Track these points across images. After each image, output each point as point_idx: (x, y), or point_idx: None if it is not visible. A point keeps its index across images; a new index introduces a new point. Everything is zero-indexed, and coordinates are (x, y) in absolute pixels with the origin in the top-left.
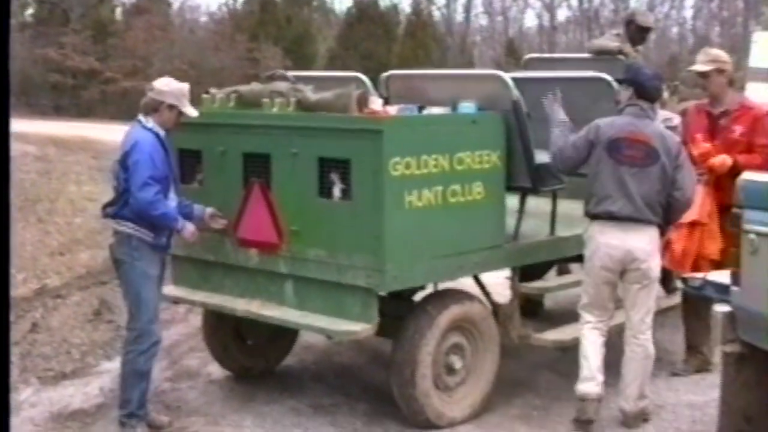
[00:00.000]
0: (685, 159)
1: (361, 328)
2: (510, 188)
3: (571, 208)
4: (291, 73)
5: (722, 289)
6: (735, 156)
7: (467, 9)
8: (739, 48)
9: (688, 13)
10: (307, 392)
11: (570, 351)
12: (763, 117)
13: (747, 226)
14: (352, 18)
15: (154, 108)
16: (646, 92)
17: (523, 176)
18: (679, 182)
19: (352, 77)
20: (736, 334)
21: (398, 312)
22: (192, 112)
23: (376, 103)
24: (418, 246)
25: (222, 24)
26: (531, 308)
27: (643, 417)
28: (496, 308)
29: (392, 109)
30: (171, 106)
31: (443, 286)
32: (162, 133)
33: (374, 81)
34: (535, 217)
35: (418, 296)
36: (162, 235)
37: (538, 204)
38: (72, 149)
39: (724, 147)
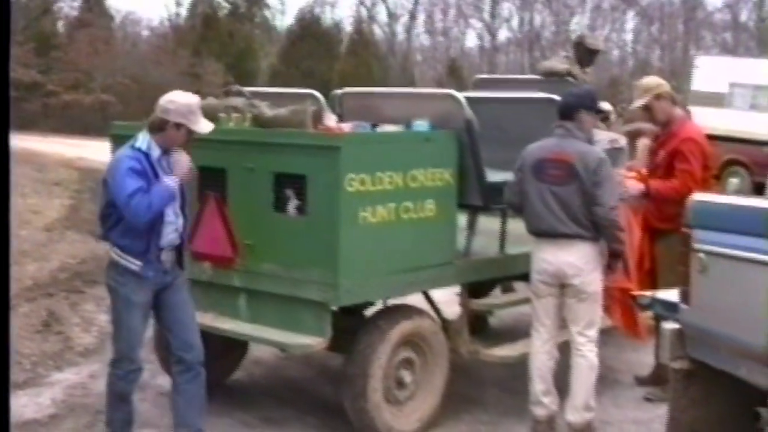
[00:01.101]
0: (606, 176)
1: (314, 341)
2: (461, 206)
3: (520, 226)
4: (246, 89)
5: (671, 307)
6: (648, 181)
7: (409, 28)
8: (680, 72)
9: (629, 36)
10: (257, 405)
11: (517, 367)
12: (683, 142)
13: (696, 246)
14: (294, 35)
15: (159, 127)
16: (561, 111)
17: (474, 194)
18: (599, 198)
19: (307, 94)
20: (685, 351)
21: (350, 327)
22: (203, 128)
23: (330, 120)
24: (372, 261)
25: (164, 38)
26: (477, 325)
27: (589, 431)
28: (445, 324)
29: (346, 127)
30: (178, 125)
31: (394, 301)
32: (156, 153)
33: (326, 98)
34: (485, 234)
35: (369, 311)
36: (151, 267)
37: (488, 222)
38: (15, 162)
39: (651, 170)
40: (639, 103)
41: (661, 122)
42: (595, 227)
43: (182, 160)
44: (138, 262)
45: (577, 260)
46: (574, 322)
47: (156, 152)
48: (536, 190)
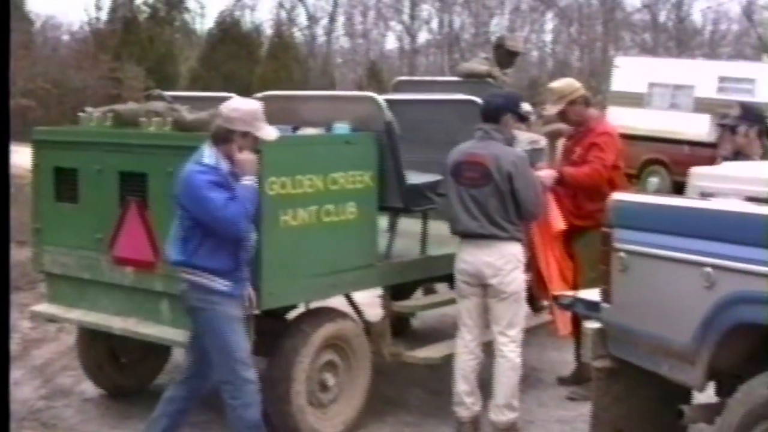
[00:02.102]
0: (523, 175)
1: None
2: (382, 208)
3: (441, 228)
4: (167, 93)
5: (592, 306)
6: (561, 168)
7: (329, 31)
8: (599, 72)
9: (548, 37)
10: None
11: (440, 369)
12: (598, 136)
13: (617, 245)
14: (214, 39)
15: (225, 138)
16: (483, 113)
17: (395, 196)
18: (519, 199)
19: (227, 98)
20: (607, 350)
21: (273, 330)
22: (269, 135)
23: None
24: (294, 265)
25: (85, 43)
26: (399, 327)
27: (513, 431)
28: (368, 326)
29: None
30: (244, 134)
31: (317, 304)
32: (224, 166)
33: None
34: (406, 236)
35: (292, 314)
36: (239, 285)
37: (409, 224)
38: None
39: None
40: (553, 110)
41: (575, 123)
42: (514, 227)
43: (250, 159)
44: (228, 283)
45: (495, 260)
46: (496, 321)
47: (224, 165)
48: (455, 192)
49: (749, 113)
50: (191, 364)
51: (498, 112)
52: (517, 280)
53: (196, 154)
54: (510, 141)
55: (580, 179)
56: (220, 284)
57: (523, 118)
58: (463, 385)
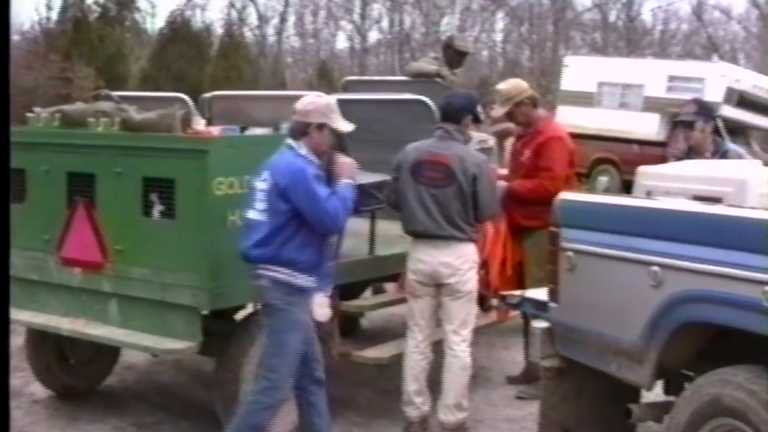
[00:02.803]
0: (484, 179)
1: (185, 346)
2: None
3: (389, 227)
4: (115, 93)
5: (540, 306)
6: (508, 185)
7: (279, 31)
8: (549, 72)
9: (499, 36)
10: (131, 411)
11: (388, 368)
12: (547, 141)
13: (564, 245)
14: (164, 38)
15: (302, 132)
16: (444, 113)
17: None
18: (479, 202)
19: (175, 98)
20: (555, 349)
21: (221, 330)
22: (345, 127)
23: (199, 124)
24: (241, 265)
25: (35, 43)
26: (348, 327)
27: (462, 430)
28: (316, 326)
29: (215, 130)
30: (320, 126)
31: None
32: (316, 162)
33: (195, 101)
34: (354, 236)
35: (240, 315)
36: (320, 281)
37: (358, 224)
38: None
39: (515, 170)
40: (500, 112)
41: (522, 124)
42: (472, 228)
43: (347, 163)
44: (311, 278)
45: (453, 260)
46: (449, 320)
47: (315, 159)
48: (414, 192)
49: (704, 109)
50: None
51: (460, 113)
52: (472, 280)
53: (282, 148)
54: (468, 142)
55: (524, 195)
56: (302, 279)
57: (478, 120)
58: (413, 384)
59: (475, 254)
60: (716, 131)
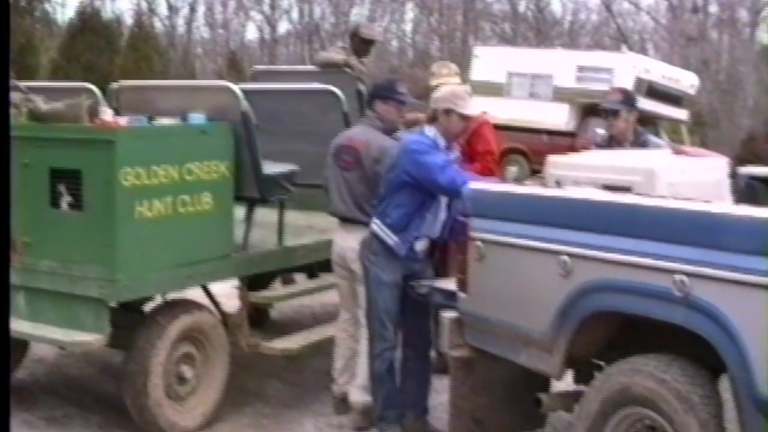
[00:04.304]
0: (387, 161)
1: (93, 338)
2: (238, 198)
3: (298, 218)
4: (22, 84)
5: (449, 296)
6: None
7: (189, 21)
8: (459, 62)
9: (408, 27)
10: (40, 405)
11: (297, 360)
12: (479, 127)
13: (473, 234)
14: (74, 29)
15: (432, 117)
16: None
17: (251, 186)
18: (377, 188)
19: (83, 88)
20: (464, 339)
21: (129, 323)
22: (471, 112)
23: (106, 114)
24: (149, 256)
25: None
26: (257, 318)
27: (370, 416)
28: (225, 318)
29: (122, 120)
30: (447, 111)
31: (173, 296)
32: (441, 142)
33: (104, 92)
34: (263, 227)
35: (149, 307)
36: (405, 246)
37: (266, 214)
38: None
39: None
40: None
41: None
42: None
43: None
44: (395, 238)
45: (357, 244)
46: (360, 305)
47: (441, 142)
48: (333, 175)
49: (629, 99)
50: (404, 327)
51: (371, 100)
52: None
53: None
54: (390, 129)
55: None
56: (389, 237)
57: (401, 102)
58: (338, 362)
59: None
60: (640, 121)
